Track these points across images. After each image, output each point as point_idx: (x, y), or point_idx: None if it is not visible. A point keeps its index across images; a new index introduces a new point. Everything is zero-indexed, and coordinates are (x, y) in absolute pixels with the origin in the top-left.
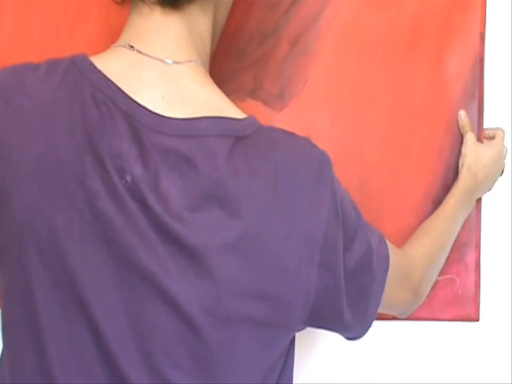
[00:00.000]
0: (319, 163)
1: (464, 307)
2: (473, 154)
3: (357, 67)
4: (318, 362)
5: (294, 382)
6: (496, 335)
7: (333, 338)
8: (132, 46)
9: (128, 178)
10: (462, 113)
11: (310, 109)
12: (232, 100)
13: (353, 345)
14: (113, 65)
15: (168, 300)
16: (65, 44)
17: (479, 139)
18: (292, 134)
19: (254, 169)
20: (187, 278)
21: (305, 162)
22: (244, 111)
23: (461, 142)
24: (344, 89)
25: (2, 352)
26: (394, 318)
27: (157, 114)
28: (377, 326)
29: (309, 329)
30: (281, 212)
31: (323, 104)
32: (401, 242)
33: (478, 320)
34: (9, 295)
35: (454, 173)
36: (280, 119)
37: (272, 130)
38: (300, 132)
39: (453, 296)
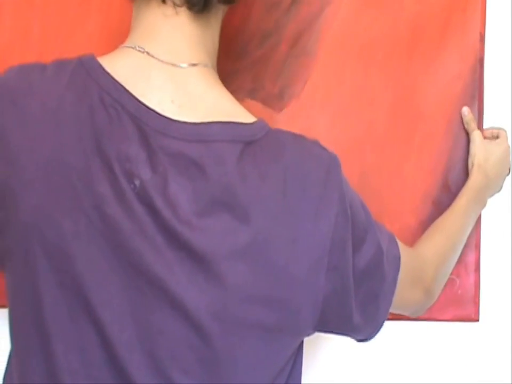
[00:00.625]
0: (328, 166)
1: (464, 307)
2: (483, 152)
3: (357, 67)
4: (320, 362)
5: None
6: (496, 336)
7: (336, 339)
8: (141, 48)
9: (137, 182)
10: (466, 110)
11: (310, 109)
12: None
13: (354, 345)
14: (122, 67)
15: (176, 305)
16: (65, 44)
17: None
18: (300, 137)
19: (263, 174)
20: (195, 284)
21: (314, 166)
22: None
23: (461, 142)
24: (344, 90)
25: (10, 352)
26: (394, 318)
27: (165, 117)
28: None
29: None
30: (289, 216)
31: (323, 105)
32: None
33: (477, 320)
34: (16, 296)
35: (454, 173)
36: (280, 119)
37: (280, 133)
38: (299, 132)
39: (452, 297)
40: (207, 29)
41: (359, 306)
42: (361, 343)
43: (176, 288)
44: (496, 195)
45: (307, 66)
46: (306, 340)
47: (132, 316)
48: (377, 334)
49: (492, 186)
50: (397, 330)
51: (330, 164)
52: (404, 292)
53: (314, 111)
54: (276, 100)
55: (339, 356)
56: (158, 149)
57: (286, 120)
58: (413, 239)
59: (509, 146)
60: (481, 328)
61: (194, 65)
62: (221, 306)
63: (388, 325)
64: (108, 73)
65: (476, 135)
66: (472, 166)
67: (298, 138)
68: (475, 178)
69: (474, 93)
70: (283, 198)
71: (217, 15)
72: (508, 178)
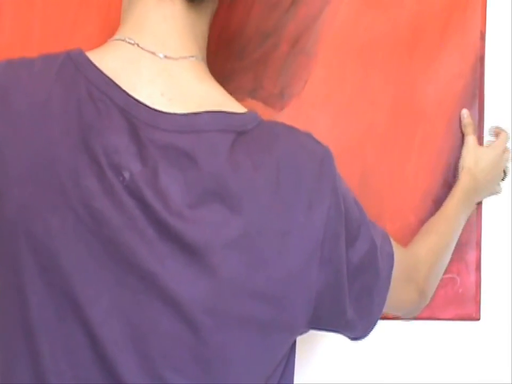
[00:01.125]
0: (321, 158)
1: (465, 306)
2: (473, 156)
3: (357, 67)
4: (318, 361)
5: (294, 382)
6: (496, 335)
7: (333, 338)
8: (131, 40)
9: (126, 175)
10: (465, 113)
11: (310, 109)
12: None
13: (354, 345)
14: (111, 60)
15: (168, 300)
16: (65, 44)
17: (480, 138)
18: (293, 129)
19: (255, 164)
20: (188, 277)
21: (307, 158)
22: None
23: (461, 141)
24: (344, 89)
25: None
26: (395, 318)
27: (155, 110)
28: (378, 326)
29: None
30: (282, 207)
31: (323, 104)
32: (401, 241)
33: (478, 319)
34: (1, 296)
35: (454, 172)
36: (280, 119)
37: (273, 124)
38: None
39: (453, 296)
40: (198, 20)
41: (353, 301)
42: (360, 343)
43: (168, 283)
44: (496, 195)
45: (307, 65)
46: (301, 339)
47: (122, 313)
48: (374, 333)
49: (480, 191)
50: (397, 330)
51: (324, 156)
52: (398, 290)
53: (314, 110)
54: (276, 100)
55: (337, 355)
56: (148, 141)
57: (287, 119)
58: (413, 237)
59: (503, 152)
60: (482, 327)
61: (185, 57)
62: (214, 301)
63: (387, 324)
64: (96, 67)
65: (470, 139)
66: (462, 168)
67: (291, 130)
68: (463, 180)
69: (475, 92)
70: (276, 189)
71: (208, 8)
72: (508, 178)
